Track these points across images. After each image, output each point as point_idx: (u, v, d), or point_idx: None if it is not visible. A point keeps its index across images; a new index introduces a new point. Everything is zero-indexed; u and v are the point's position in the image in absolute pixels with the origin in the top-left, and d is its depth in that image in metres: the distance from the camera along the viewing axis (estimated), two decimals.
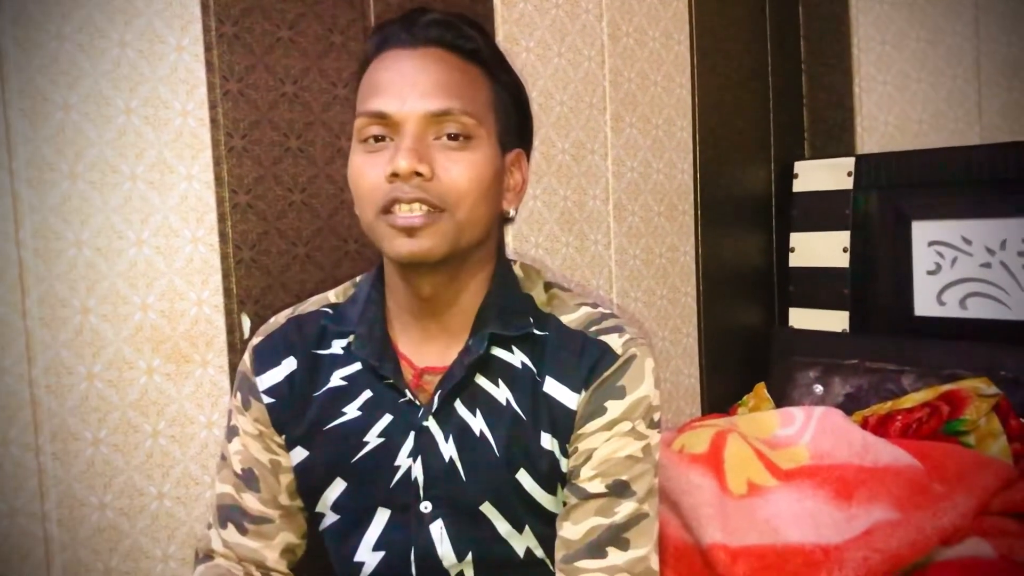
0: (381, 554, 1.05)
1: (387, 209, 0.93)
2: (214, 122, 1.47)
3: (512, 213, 1.05)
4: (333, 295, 1.12)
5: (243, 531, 1.08)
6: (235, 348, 1.49)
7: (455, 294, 1.02)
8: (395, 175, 0.92)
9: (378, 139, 0.95)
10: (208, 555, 1.11)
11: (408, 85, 0.94)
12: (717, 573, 1.37)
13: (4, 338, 1.31)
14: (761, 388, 2.13)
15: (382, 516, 1.04)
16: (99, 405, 1.39)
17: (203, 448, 1.47)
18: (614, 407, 0.99)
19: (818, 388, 2.06)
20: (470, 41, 0.98)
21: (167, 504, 1.44)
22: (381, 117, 0.94)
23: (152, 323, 1.42)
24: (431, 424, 1.02)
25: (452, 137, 0.94)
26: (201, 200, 1.47)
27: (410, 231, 0.93)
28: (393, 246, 0.94)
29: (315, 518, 1.10)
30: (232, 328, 1.50)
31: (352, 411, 1.04)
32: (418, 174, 0.92)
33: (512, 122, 1.03)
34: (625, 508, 0.98)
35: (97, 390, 1.38)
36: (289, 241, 1.55)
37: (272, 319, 1.12)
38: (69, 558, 1.36)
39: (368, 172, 0.95)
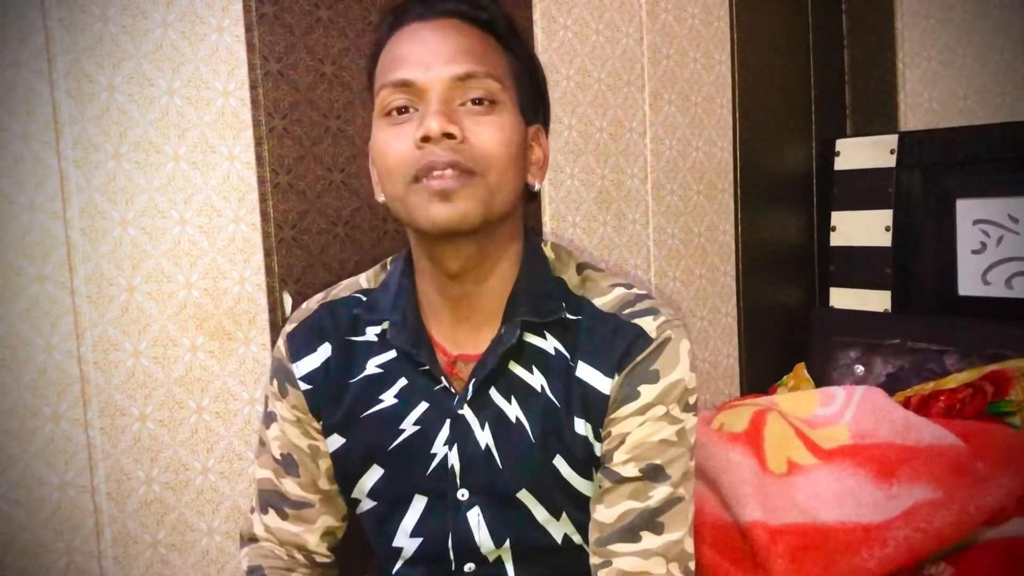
0: (419, 540, 1.05)
1: (418, 178, 0.92)
2: (255, 103, 1.49)
3: (537, 187, 1.04)
4: (364, 280, 1.11)
5: (284, 516, 1.09)
6: (277, 326, 1.51)
7: (484, 273, 1.00)
8: (426, 139, 0.91)
9: (402, 111, 0.95)
10: (252, 538, 1.12)
11: (430, 53, 0.93)
12: (756, 551, 1.36)
13: (53, 316, 1.34)
14: (801, 368, 2.11)
15: (419, 503, 1.04)
16: (145, 381, 1.41)
17: (246, 424, 1.49)
18: (648, 391, 0.98)
19: (859, 368, 2.04)
20: (486, 11, 0.98)
21: (211, 479, 1.47)
22: (406, 85, 0.93)
23: (196, 301, 1.45)
24: (466, 412, 1.01)
25: (477, 102, 0.93)
26: (243, 180, 1.48)
27: (444, 195, 0.91)
28: (428, 213, 0.92)
29: (353, 503, 1.10)
30: (274, 306, 1.52)
31: (388, 398, 1.04)
32: (449, 136, 0.91)
33: (529, 94, 1.01)
34: (659, 492, 0.97)
35: (143, 367, 1.41)
36: (329, 220, 1.57)
37: (304, 305, 1.12)
38: (118, 530, 1.40)
39: (395, 144, 0.94)
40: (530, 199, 1.05)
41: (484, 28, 0.97)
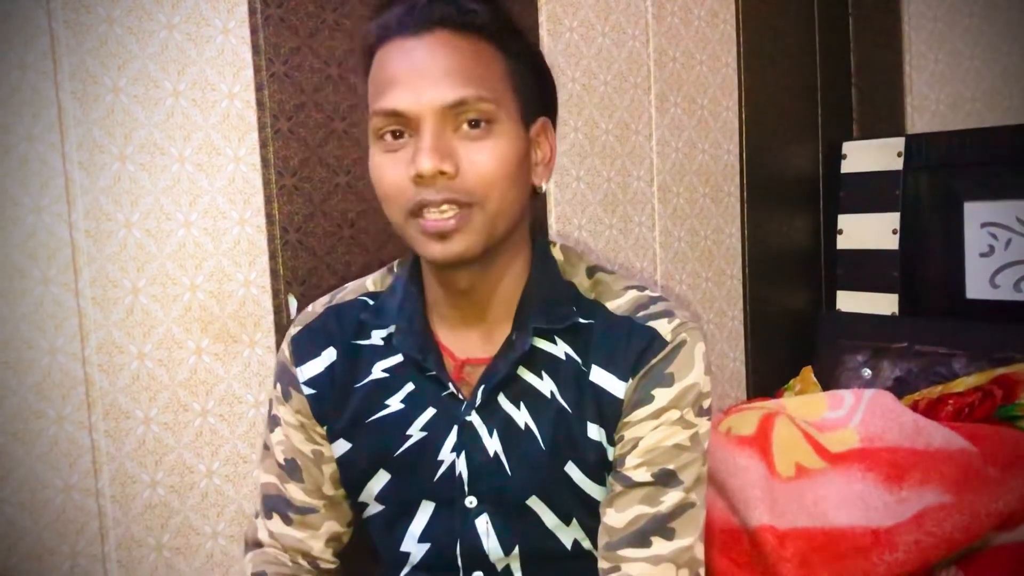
0: (427, 546, 1.04)
1: (415, 212, 0.90)
2: (260, 104, 1.48)
3: (543, 188, 1.01)
4: (371, 283, 1.10)
5: (288, 521, 1.08)
6: (282, 328, 1.50)
7: (493, 283, 0.99)
8: (420, 177, 0.88)
9: (396, 135, 0.91)
10: (257, 544, 1.11)
11: (419, 77, 0.89)
12: (765, 555, 1.35)
13: (58, 318, 1.33)
14: (808, 372, 2.10)
15: (427, 508, 1.03)
16: (150, 384, 1.41)
17: (251, 427, 1.49)
18: (662, 395, 0.96)
19: (866, 372, 2.03)
20: (476, 15, 0.92)
21: (216, 482, 1.46)
22: (397, 115, 0.90)
23: (201, 304, 1.44)
24: (474, 418, 1.00)
25: (473, 124, 0.90)
26: (248, 182, 1.48)
27: (442, 235, 0.90)
28: (426, 251, 0.92)
29: (359, 507, 1.09)
30: (279, 309, 1.51)
31: (395, 404, 1.03)
32: (443, 172, 0.88)
33: (532, 92, 0.97)
34: (671, 497, 0.96)
35: (148, 369, 1.40)
36: (334, 222, 1.56)
37: (309, 308, 1.11)
38: (122, 533, 1.39)
39: (390, 172, 0.91)
40: (535, 195, 1.02)
41: (477, 33, 0.92)
